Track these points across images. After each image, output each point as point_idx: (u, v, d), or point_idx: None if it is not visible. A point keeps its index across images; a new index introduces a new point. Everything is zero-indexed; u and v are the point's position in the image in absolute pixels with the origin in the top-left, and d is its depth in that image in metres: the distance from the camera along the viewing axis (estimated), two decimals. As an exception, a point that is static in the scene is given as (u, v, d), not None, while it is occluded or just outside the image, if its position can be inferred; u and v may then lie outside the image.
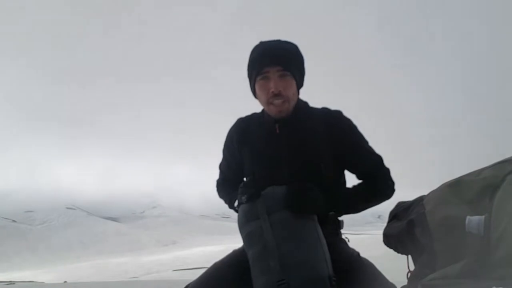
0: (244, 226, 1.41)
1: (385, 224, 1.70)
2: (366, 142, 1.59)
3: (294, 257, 1.29)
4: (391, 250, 1.66)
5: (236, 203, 1.51)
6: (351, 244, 1.58)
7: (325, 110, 1.61)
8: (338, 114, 1.59)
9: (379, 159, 1.57)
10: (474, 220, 1.26)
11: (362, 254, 1.51)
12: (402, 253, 1.60)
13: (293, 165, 1.51)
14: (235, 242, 1.50)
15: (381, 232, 1.68)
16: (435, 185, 1.53)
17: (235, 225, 1.48)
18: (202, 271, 1.51)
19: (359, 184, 1.59)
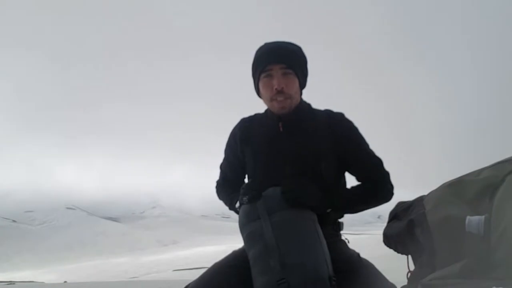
0: (245, 226, 1.41)
1: (385, 224, 1.70)
2: (367, 145, 1.60)
3: (294, 257, 1.29)
4: (391, 250, 1.66)
5: (237, 204, 1.51)
6: (351, 244, 1.58)
7: (327, 112, 1.63)
8: (340, 116, 1.60)
9: (379, 162, 1.58)
10: (474, 220, 1.26)
11: (362, 254, 1.52)
12: (402, 253, 1.60)
13: (295, 164, 1.52)
14: (235, 242, 1.50)
15: (381, 232, 1.68)
16: (435, 185, 1.53)
17: (235, 225, 1.48)
18: (202, 271, 1.51)
19: (358, 186, 1.59)
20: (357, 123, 1.61)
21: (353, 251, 1.52)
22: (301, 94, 1.62)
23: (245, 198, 1.43)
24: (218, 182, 1.79)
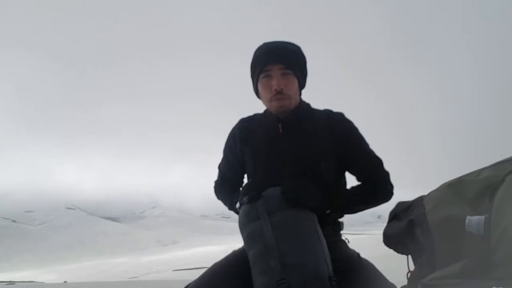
0: (245, 226, 1.41)
1: (385, 224, 1.70)
2: (367, 145, 1.60)
3: (294, 257, 1.29)
4: (391, 250, 1.66)
5: (237, 205, 1.51)
6: (351, 245, 1.58)
7: (327, 112, 1.62)
8: (340, 116, 1.60)
9: (379, 162, 1.58)
10: (474, 220, 1.26)
11: (362, 254, 1.52)
12: (402, 253, 1.60)
13: (294, 164, 1.51)
14: (235, 242, 1.50)
15: (381, 232, 1.68)
16: (435, 185, 1.53)
17: (235, 225, 1.48)
18: (202, 271, 1.50)
19: (358, 186, 1.59)
20: (357, 123, 1.61)
21: (353, 251, 1.53)
22: (300, 94, 1.62)
23: (245, 198, 1.43)
24: (216, 182, 1.79)
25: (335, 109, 1.65)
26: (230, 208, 1.64)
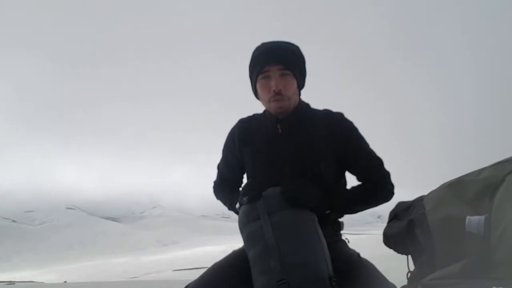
0: (245, 226, 1.41)
1: (385, 224, 1.70)
2: (367, 145, 1.59)
3: (294, 257, 1.29)
4: (391, 250, 1.66)
5: (237, 205, 1.51)
6: (351, 245, 1.58)
7: (326, 112, 1.62)
8: (339, 116, 1.59)
9: (379, 162, 1.58)
10: (474, 220, 1.26)
11: (362, 254, 1.52)
12: (402, 253, 1.60)
13: (294, 165, 1.51)
14: (235, 242, 1.50)
15: (381, 232, 1.68)
16: (435, 185, 1.53)
17: (235, 225, 1.48)
18: (202, 271, 1.50)
19: (358, 186, 1.59)
20: (357, 123, 1.60)
21: (353, 251, 1.52)
22: (299, 94, 1.61)
23: (244, 199, 1.43)
24: (215, 182, 1.79)
25: (335, 109, 1.65)
26: (229, 208, 1.64)
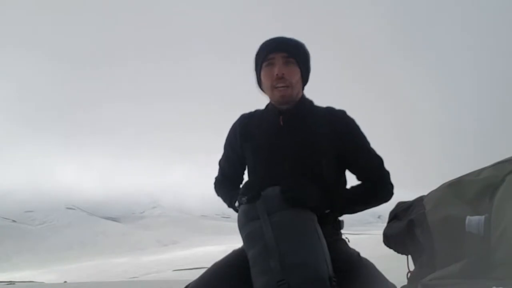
0: (244, 226, 1.41)
1: (385, 224, 1.70)
2: (368, 143, 1.59)
3: (294, 257, 1.29)
4: (391, 250, 1.66)
5: (236, 203, 1.51)
6: (351, 244, 1.58)
7: (329, 109, 1.62)
8: (342, 113, 1.60)
9: (380, 161, 1.58)
10: (474, 220, 1.26)
11: (362, 254, 1.51)
12: (402, 253, 1.60)
13: (295, 160, 1.51)
14: (235, 242, 1.50)
15: (381, 232, 1.68)
16: (435, 185, 1.53)
17: (235, 225, 1.48)
18: (202, 271, 1.50)
19: (358, 185, 1.59)
20: (359, 120, 1.60)
21: (353, 250, 1.52)
22: (303, 89, 1.62)
23: (244, 198, 1.42)
24: (217, 178, 1.79)
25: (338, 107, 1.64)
26: (229, 206, 1.64)
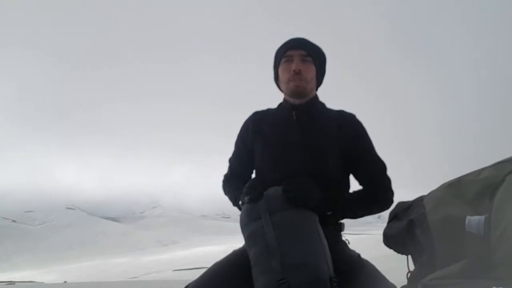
0: (246, 226, 1.41)
1: (385, 224, 1.70)
2: (374, 148, 1.61)
3: (295, 257, 1.29)
4: (391, 251, 1.67)
5: (240, 202, 1.51)
6: (351, 245, 1.58)
7: (340, 112, 1.67)
8: (351, 116, 1.64)
9: (383, 166, 1.58)
10: (474, 220, 1.26)
11: (362, 255, 1.51)
12: (402, 253, 1.60)
13: (302, 155, 1.53)
14: (235, 242, 1.51)
15: (381, 232, 1.68)
16: (435, 185, 1.53)
17: (235, 225, 1.49)
18: (202, 271, 1.50)
19: (360, 190, 1.59)
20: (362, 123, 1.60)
21: (354, 251, 1.52)
22: (316, 89, 1.67)
23: (246, 198, 1.43)
24: (225, 176, 1.78)
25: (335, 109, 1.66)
26: (234, 205, 1.64)
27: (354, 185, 1.63)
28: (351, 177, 1.63)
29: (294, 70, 1.57)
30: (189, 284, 1.46)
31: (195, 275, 1.52)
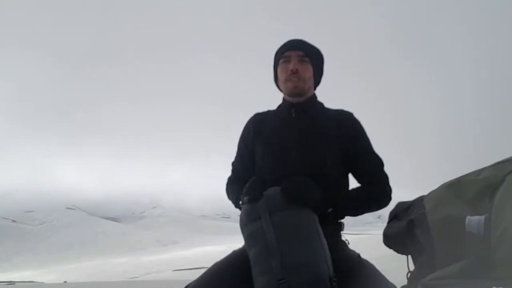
0: (245, 226, 1.41)
1: (385, 224, 1.70)
2: (371, 146, 1.62)
3: (295, 257, 1.29)
4: (391, 251, 1.67)
5: (240, 203, 1.51)
6: (351, 245, 1.58)
7: (337, 110, 1.69)
8: (349, 114, 1.66)
9: (380, 163, 1.59)
10: (474, 220, 1.26)
11: (362, 254, 1.52)
12: (402, 253, 1.60)
13: (301, 153, 1.54)
14: (235, 242, 1.51)
15: (381, 232, 1.69)
16: (435, 185, 1.54)
17: (235, 225, 1.49)
18: (202, 271, 1.50)
19: (359, 187, 1.60)
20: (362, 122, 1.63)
21: (353, 251, 1.53)
22: (315, 88, 1.71)
23: (245, 198, 1.43)
24: (229, 179, 1.79)
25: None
26: (236, 206, 1.63)
27: (353, 184, 1.63)
28: (350, 176, 1.64)
29: (291, 70, 1.61)
30: (189, 284, 1.46)
31: (195, 275, 1.52)
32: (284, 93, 1.69)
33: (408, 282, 1.52)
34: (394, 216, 1.67)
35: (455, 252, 1.29)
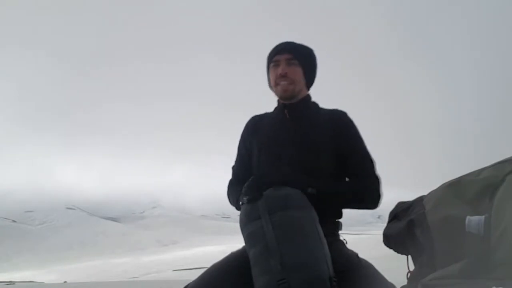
0: (245, 226, 1.41)
1: (385, 224, 1.70)
2: (364, 145, 1.63)
3: (295, 257, 1.29)
4: (391, 251, 1.67)
5: (240, 203, 1.51)
6: (351, 245, 1.58)
7: (331, 110, 1.71)
8: (343, 114, 1.68)
9: (371, 164, 1.60)
10: (474, 220, 1.26)
11: (362, 254, 1.52)
12: (402, 253, 1.60)
13: (297, 149, 1.58)
14: (235, 242, 1.51)
15: (381, 232, 1.68)
16: (435, 185, 1.53)
17: (235, 225, 1.49)
18: (202, 271, 1.50)
19: (347, 181, 1.62)
20: (357, 123, 1.66)
21: (352, 251, 1.53)
22: (308, 89, 1.73)
23: (245, 198, 1.43)
24: (230, 181, 1.79)
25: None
26: (237, 208, 1.63)
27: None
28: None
29: (280, 74, 1.65)
30: (188, 284, 1.46)
31: (195, 275, 1.52)
32: (277, 96, 1.73)
33: (408, 282, 1.52)
34: (394, 216, 1.67)
35: (455, 252, 1.29)
